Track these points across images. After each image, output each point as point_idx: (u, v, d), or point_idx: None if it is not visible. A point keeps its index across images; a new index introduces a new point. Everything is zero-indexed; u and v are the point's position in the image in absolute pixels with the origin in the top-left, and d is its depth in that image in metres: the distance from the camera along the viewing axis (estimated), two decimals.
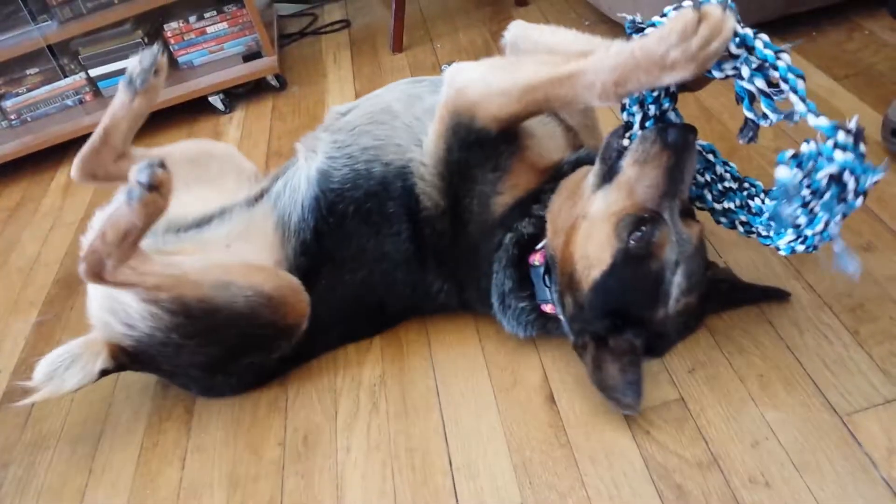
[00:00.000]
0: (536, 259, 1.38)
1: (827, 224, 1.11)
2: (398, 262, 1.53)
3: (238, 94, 2.87)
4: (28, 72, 2.83)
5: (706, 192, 1.40)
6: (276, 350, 1.53)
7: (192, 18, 2.82)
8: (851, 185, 1.07)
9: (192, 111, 2.82)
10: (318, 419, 1.48)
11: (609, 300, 1.27)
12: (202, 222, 1.62)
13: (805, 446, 1.18)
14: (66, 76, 2.85)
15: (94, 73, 2.83)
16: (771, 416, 1.23)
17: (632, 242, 1.23)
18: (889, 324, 1.31)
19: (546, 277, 1.37)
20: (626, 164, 1.28)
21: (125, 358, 1.52)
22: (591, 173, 1.35)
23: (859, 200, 1.08)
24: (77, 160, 1.68)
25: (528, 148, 1.44)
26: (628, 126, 1.32)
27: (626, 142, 1.30)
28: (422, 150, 1.48)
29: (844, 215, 1.10)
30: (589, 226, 1.29)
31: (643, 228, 1.23)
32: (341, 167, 1.55)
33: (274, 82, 2.85)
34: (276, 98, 2.83)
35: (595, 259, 1.26)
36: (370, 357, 1.59)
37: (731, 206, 1.36)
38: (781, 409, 1.24)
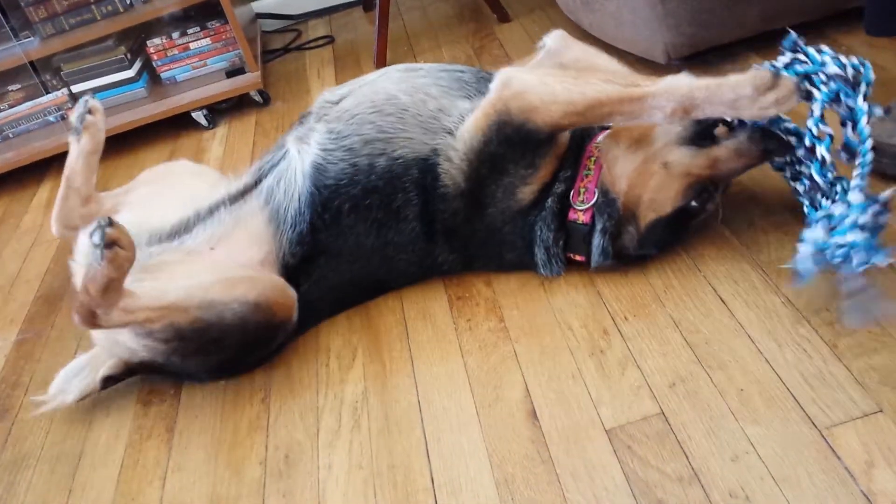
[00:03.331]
0: (580, 217, 1.56)
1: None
2: (403, 246, 1.63)
3: (221, 110, 2.87)
4: (10, 88, 2.82)
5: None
6: (275, 343, 1.62)
7: (176, 34, 2.82)
8: (856, 261, 1.25)
9: (175, 127, 2.81)
10: (300, 437, 1.48)
11: (656, 238, 1.54)
12: (182, 230, 1.65)
13: (785, 460, 1.18)
14: (48, 92, 2.84)
15: (76, 89, 2.82)
16: (751, 431, 1.24)
17: (693, 204, 1.50)
18: (866, 337, 1.32)
19: (595, 216, 1.56)
20: (726, 144, 1.47)
21: (132, 368, 1.62)
22: (674, 124, 1.50)
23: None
24: (53, 217, 1.81)
25: (559, 145, 1.57)
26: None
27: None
28: (453, 137, 1.57)
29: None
30: (664, 176, 1.50)
31: (704, 196, 1.50)
32: (338, 161, 1.57)
33: (257, 98, 2.85)
34: (259, 113, 2.84)
35: (659, 205, 1.51)
36: (353, 374, 1.58)
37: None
38: (761, 423, 1.24)
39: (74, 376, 1.62)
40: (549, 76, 1.53)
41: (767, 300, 1.44)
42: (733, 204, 1.65)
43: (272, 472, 1.43)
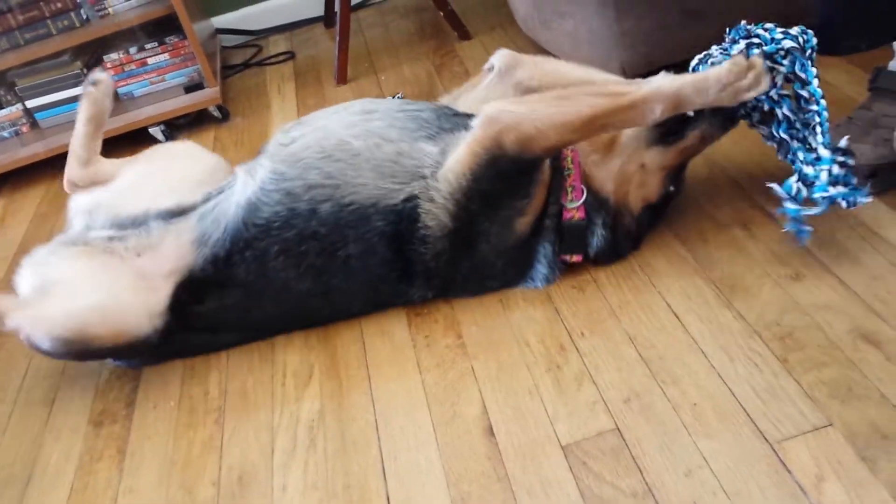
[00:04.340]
0: (575, 215, 1.60)
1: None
2: (355, 291, 1.65)
3: (179, 125, 2.84)
4: None
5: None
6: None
7: (133, 49, 2.79)
8: (844, 205, 1.43)
9: (132, 142, 2.76)
10: (254, 457, 1.46)
11: (648, 222, 1.67)
12: (129, 225, 1.69)
13: (737, 474, 1.19)
14: (2, 108, 2.78)
15: (31, 104, 2.77)
16: (704, 445, 1.25)
17: (671, 188, 1.65)
18: (817, 352, 1.34)
19: (591, 213, 1.62)
20: (692, 134, 1.59)
21: None
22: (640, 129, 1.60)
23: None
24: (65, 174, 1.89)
25: (545, 171, 1.58)
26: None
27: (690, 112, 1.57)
28: (434, 180, 1.54)
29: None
30: (645, 176, 1.62)
31: (678, 180, 1.67)
32: (274, 203, 1.56)
33: (216, 113, 2.83)
34: (218, 129, 2.81)
35: (647, 197, 1.63)
36: (309, 392, 1.57)
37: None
38: (714, 437, 1.25)
39: None
40: (537, 102, 1.54)
41: (720, 315, 1.46)
42: (687, 222, 1.68)
43: (225, 493, 1.41)
